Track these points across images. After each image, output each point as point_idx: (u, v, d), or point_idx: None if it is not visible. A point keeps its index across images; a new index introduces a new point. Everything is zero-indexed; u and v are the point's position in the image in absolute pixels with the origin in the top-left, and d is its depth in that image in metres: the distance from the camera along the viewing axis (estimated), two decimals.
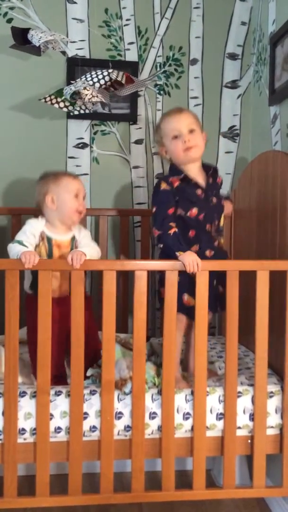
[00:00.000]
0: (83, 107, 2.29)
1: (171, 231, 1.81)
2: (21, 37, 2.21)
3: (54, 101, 2.24)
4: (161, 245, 1.84)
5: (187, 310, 1.85)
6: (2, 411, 1.68)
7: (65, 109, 2.27)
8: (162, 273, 1.81)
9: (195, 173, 1.93)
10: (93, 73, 2.18)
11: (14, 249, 1.76)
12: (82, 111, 2.31)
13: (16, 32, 2.22)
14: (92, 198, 2.58)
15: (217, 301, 1.90)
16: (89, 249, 1.80)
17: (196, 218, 1.87)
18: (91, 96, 2.12)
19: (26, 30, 2.21)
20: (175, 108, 2.00)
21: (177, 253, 1.74)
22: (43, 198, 1.90)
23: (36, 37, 2.17)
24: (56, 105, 2.24)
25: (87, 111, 2.32)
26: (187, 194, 1.88)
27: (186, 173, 1.90)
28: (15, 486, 1.69)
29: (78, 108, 2.29)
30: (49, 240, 1.88)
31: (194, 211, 1.87)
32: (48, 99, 2.23)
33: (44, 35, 2.16)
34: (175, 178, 1.89)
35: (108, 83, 2.17)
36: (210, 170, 1.97)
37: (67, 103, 2.24)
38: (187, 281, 1.78)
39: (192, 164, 1.93)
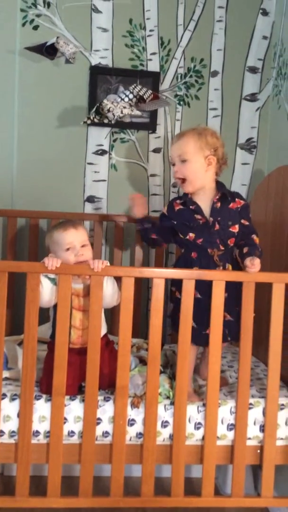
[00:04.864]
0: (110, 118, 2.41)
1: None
2: (44, 51, 2.37)
3: (95, 119, 2.42)
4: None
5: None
6: (17, 413, 1.71)
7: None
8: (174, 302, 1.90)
9: (200, 197, 1.93)
10: (123, 91, 2.42)
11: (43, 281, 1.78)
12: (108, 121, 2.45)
13: (36, 49, 2.38)
14: (109, 205, 2.62)
15: (225, 329, 1.81)
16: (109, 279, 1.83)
17: (194, 241, 1.90)
18: (122, 114, 2.36)
19: (43, 45, 2.36)
20: (179, 133, 2.03)
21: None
22: (48, 252, 1.89)
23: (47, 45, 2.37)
24: (96, 120, 2.43)
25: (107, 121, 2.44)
26: (184, 218, 1.92)
27: (190, 196, 1.93)
28: (27, 486, 1.72)
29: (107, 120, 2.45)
30: None
31: (191, 235, 1.90)
32: (92, 117, 2.41)
33: (49, 42, 2.35)
34: (178, 202, 1.95)
35: (135, 99, 2.37)
36: (222, 194, 1.91)
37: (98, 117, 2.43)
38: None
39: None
